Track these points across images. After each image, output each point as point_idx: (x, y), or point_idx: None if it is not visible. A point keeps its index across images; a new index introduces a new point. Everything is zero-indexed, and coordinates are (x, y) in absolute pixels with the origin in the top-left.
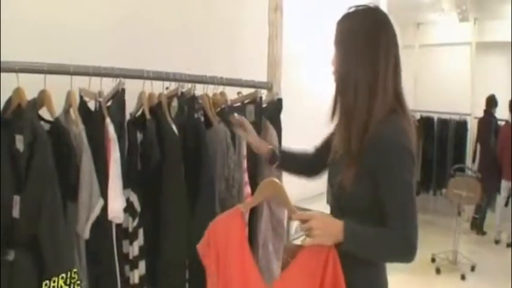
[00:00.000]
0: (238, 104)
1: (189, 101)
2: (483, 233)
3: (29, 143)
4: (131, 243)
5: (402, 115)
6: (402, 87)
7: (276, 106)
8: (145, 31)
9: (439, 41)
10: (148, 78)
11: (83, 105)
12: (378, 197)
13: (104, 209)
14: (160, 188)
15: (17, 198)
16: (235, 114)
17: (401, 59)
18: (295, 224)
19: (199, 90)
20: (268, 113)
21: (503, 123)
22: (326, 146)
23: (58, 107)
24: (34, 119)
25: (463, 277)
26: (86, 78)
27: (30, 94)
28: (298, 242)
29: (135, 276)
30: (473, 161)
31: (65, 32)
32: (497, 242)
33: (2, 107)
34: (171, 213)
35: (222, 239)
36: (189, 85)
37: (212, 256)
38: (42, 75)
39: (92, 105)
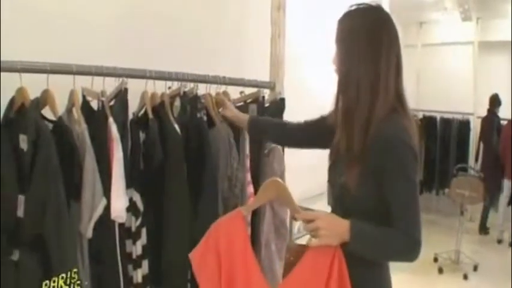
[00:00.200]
0: (241, 103)
1: (191, 101)
2: (486, 233)
3: (32, 142)
4: (134, 242)
5: (403, 114)
6: (403, 86)
7: (279, 105)
8: (147, 31)
9: (442, 40)
10: (150, 77)
11: (85, 104)
12: (383, 197)
13: (107, 208)
14: (163, 188)
15: (21, 198)
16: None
17: (404, 58)
18: (297, 224)
19: (202, 89)
20: (271, 113)
21: (505, 122)
22: (316, 125)
23: (61, 107)
24: (37, 118)
25: (465, 277)
26: (89, 77)
27: (33, 93)
28: (300, 241)
29: (139, 275)
30: (476, 160)
31: (66, 29)
32: (499, 241)
33: (3, 106)
34: (174, 213)
35: (223, 242)
36: (192, 84)
37: (212, 260)
38: (44, 75)
39: (94, 104)
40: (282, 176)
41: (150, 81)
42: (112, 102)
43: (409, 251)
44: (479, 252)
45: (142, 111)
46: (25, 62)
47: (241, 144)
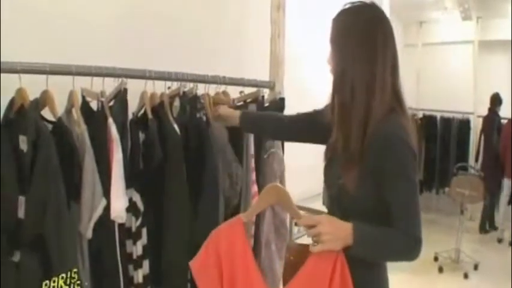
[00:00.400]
0: (241, 103)
1: (191, 101)
2: (486, 232)
3: (32, 143)
4: (135, 242)
5: (401, 114)
6: (401, 85)
7: (278, 105)
8: (146, 31)
9: (442, 40)
10: (150, 78)
11: (85, 105)
12: (381, 196)
13: (107, 209)
14: (163, 188)
15: (22, 199)
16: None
17: (404, 57)
18: None
19: (201, 89)
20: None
21: (506, 121)
22: (309, 119)
23: (60, 107)
24: (37, 118)
25: (465, 276)
26: (88, 78)
27: (32, 94)
28: (300, 241)
29: (139, 275)
30: (476, 159)
31: (66, 29)
32: (500, 240)
33: (3, 107)
34: (173, 213)
35: (224, 249)
36: (191, 85)
37: (212, 268)
38: (44, 75)
39: (94, 105)
40: (282, 176)
41: (150, 82)
42: (112, 103)
43: (410, 251)
44: (480, 251)
45: (141, 112)
46: (24, 63)
47: (246, 144)
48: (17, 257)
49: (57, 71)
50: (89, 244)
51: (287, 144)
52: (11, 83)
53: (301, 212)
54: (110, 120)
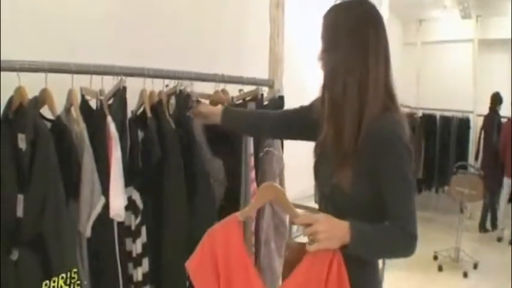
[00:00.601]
0: (240, 101)
1: (183, 99)
2: (486, 231)
3: (31, 141)
4: (134, 241)
5: (395, 111)
6: (393, 82)
7: (278, 103)
8: (146, 29)
9: (441, 38)
10: (149, 76)
11: (84, 103)
12: (377, 193)
13: (106, 207)
14: (162, 186)
15: (20, 197)
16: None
17: (404, 56)
18: None
19: (200, 88)
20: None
21: (506, 120)
22: (297, 116)
23: (59, 106)
24: (36, 117)
25: (465, 275)
26: (87, 76)
27: (31, 93)
28: (300, 239)
29: (139, 273)
30: (476, 158)
31: (66, 28)
32: (499, 239)
33: (2, 106)
34: (172, 212)
35: (220, 248)
36: (189, 83)
37: (209, 267)
38: (43, 74)
39: (93, 103)
40: (281, 174)
41: (149, 80)
42: (111, 101)
43: (407, 247)
44: (479, 250)
45: (141, 110)
46: (23, 61)
47: (245, 143)
48: (15, 255)
49: (56, 69)
50: (88, 243)
51: (286, 143)
52: (10, 82)
53: (299, 211)
54: (109, 119)
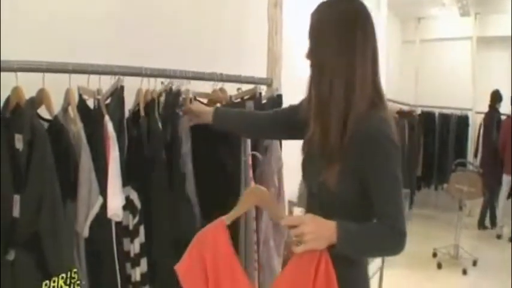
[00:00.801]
0: (238, 100)
1: (173, 97)
2: (485, 228)
3: (28, 142)
4: (132, 240)
5: (382, 108)
6: (380, 79)
7: (276, 102)
8: (145, 28)
9: (440, 36)
10: (146, 75)
11: (82, 103)
12: (363, 191)
13: (103, 207)
14: (151, 185)
15: (17, 198)
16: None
17: (402, 54)
18: None
19: (200, 87)
20: (268, 109)
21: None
22: (287, 115)
23: (57, 106)
24: (33, 117)
25: (464, 272)
26: (85, 76)
27: (28, 93)
28: None
29: (137, 273)
30: (475, 155)
31: (65, 28)
32: (499, 236)
33: (1, 106)
34: (161, 213)
35: (208, 252)
36: (186, 81)
37: (198, 271)
38: (40, 74)
39: (91, 103)
40: (280, 173)
41: (146, 79)
42: (108, 100)
43: (396, 245)
44: (479, 247)
45: (136, 109)
46: (21, 61)
47: (243, 142)
48: (11, 255)
49: (53, 69)
50: (85, 243)
51: (285, 142)
52: (7, 81)
53: (297, 210)
54: (107, 118)
